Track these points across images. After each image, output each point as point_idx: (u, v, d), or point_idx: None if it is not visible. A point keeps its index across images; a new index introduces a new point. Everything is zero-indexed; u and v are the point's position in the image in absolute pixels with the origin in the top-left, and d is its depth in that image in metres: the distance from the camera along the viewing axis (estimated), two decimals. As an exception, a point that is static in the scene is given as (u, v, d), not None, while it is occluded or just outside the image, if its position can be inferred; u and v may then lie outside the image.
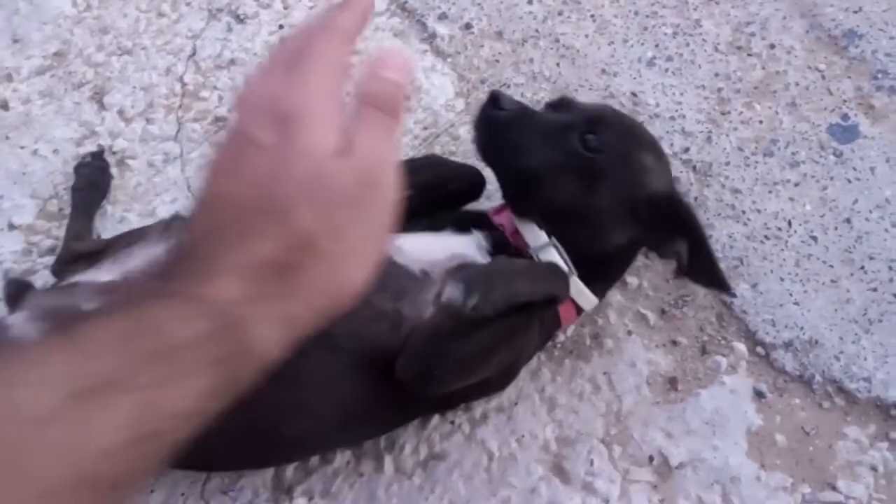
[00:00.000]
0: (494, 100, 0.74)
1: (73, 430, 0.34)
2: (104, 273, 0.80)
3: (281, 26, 1.09)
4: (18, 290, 0.84)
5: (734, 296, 0.85)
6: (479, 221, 0.79)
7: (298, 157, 0.44)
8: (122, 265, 0.82)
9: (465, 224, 0.78)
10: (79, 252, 0.89)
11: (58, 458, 0.33)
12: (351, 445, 0.80)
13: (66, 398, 0.34)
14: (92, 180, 0.97)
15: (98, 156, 0.99)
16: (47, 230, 0.95)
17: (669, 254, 0.77)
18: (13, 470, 0.32)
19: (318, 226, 0.43)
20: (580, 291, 0.76)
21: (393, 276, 0.70)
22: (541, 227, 0.75)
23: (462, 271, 0.65)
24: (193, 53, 1.08)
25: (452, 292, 0.62)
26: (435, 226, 0.79)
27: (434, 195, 0.80)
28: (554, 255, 0.74)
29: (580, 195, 0.73)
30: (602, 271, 0.79)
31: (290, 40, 0.52)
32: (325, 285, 0.43)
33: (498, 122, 0.74)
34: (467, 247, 0.75)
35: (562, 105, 0.80)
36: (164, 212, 0.96)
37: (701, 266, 0.75)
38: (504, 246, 0.76)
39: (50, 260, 0.91)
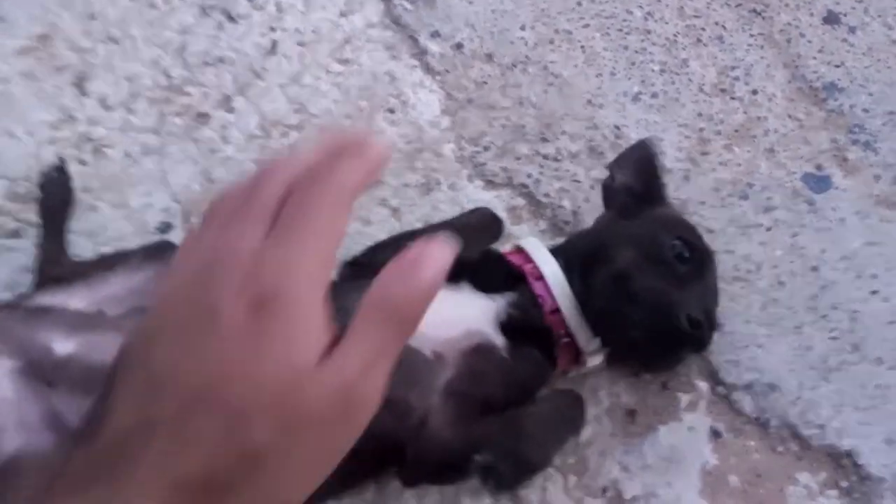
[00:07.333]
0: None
1: None
2: (76, 298, 0.76)
3: (272, 28, 1.08)
4: None
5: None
6: (504, 275, 0.77)
7: (273, 355, 0.36)
8: (96, 291, 0.77)
9: (485, 277, 0.75)
10: (54, 277, 0.82)
11: None
12: None
13: None
14: (58, 195, 0.93)
15: (61, 169, 0.96)
16: (14, 212, 0.93)
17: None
18: None
19: (273, 442, 0.36)
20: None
21: (405, 362, 0.64)
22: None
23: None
24: (182, 48, 1.07)
25: None
26: (452, 276, 0.76)
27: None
28: (600, 359, 0.78)
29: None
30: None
31: (279, 179, 0.41)
32: None
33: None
34: (483, 320, 0.73)
35: None
36: (136, 204, 0.95)
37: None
38: (526, 316, 0.74)
39: (13, 243, 0.90)
